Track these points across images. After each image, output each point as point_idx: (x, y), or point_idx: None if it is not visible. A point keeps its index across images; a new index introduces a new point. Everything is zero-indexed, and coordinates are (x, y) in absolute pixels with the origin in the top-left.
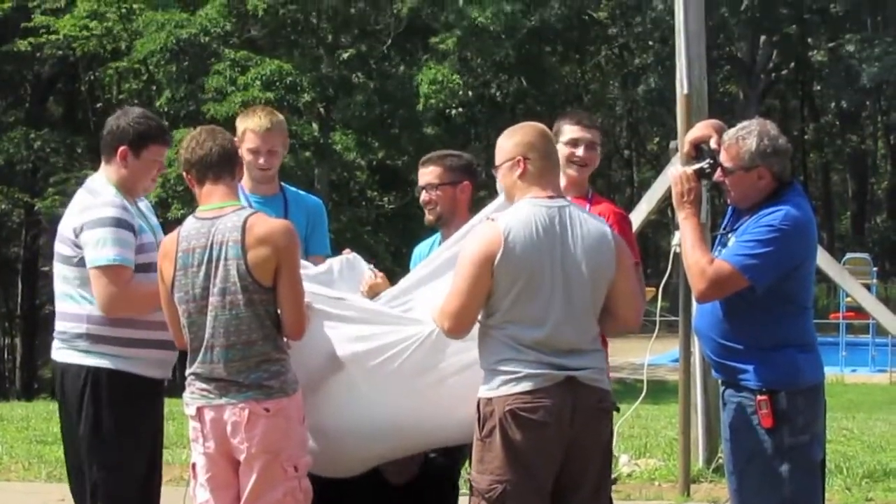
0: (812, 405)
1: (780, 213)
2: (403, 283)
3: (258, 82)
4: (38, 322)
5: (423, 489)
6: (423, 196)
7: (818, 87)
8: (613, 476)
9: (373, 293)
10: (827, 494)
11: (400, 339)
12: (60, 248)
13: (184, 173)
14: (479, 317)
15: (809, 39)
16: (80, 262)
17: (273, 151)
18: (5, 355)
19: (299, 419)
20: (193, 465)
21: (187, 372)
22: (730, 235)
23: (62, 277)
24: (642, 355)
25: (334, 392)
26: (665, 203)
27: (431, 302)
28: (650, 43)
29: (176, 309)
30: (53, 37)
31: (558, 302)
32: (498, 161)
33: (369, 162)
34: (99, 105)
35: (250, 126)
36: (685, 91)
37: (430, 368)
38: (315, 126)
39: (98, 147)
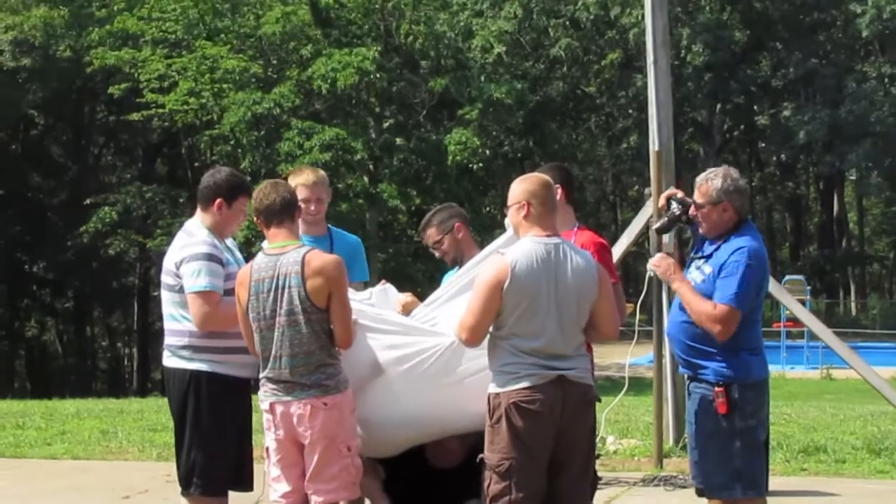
0: (759, 396)
1: (745, 250)
2: (430, 301)
3: (319, 146)
4: (149, 336)
5: (461, 472)
6: (436, 253)
7: (762, 145)
8: (600, 453)
9: (406, 311)
10: (770, 466)
11: (427, 347)
12: (165, 278)
13: (255, 218)
14: (490, 330)
15: (755, 107)
16: (181, 289)
17: (320, 199)
18: (125, 362)
19: (350, 410)
20: (267, 449)
21: (260, 376)
22: (701, 261)
23: (167, 302)
24: (625, 357)
25: (377, 390)
26: (642, 237)
27: (452, 317)
28: (630, 111)
29: (249, 325)
30: (160, 111)
31: (552, 319)
32: (509, 202)
33: (409, 207)
34: (196, 164)
35: (300, 181)
36: (657, 148)
37: (450, 371)
38: (365, 179)
39: (194, 198)
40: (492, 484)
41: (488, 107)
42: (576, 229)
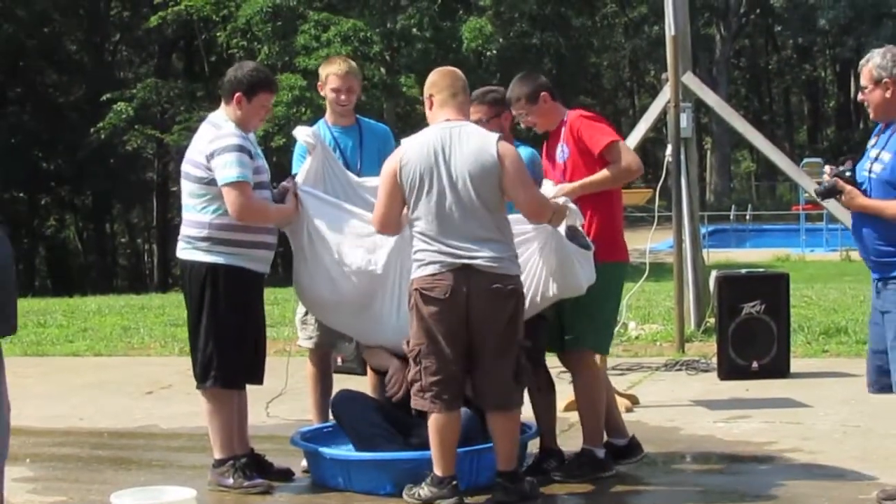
0: None
1: None
2: None
3: (338, 38)
4: (169, 231)
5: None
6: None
7: (779, 28)
8: (622, 339)
9: None
10: (792, 348)
11: None
12: (191, 170)
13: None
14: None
15: None
16: (211, 182)
17: (351, 89)
18: (145, 258)
19: None
20: None
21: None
22: (876, 151)
23: (190, 193)
24: (645, 243)
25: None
26: (659, 122)
27: None
28: None
29: None
30: (176, 8)
31: (449, 201)
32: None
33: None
34: (213, 59)
35: (332, 71)
36: (672, 33)
37: None
38: (383, 70)
39: (212, 92)
40: (410, 369)
41: None
42: (565, 118)
